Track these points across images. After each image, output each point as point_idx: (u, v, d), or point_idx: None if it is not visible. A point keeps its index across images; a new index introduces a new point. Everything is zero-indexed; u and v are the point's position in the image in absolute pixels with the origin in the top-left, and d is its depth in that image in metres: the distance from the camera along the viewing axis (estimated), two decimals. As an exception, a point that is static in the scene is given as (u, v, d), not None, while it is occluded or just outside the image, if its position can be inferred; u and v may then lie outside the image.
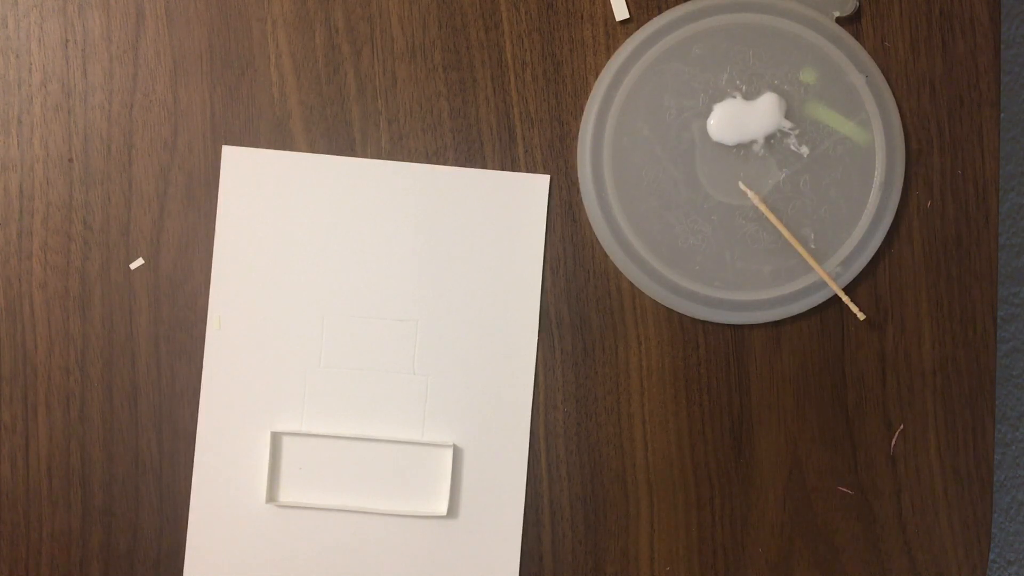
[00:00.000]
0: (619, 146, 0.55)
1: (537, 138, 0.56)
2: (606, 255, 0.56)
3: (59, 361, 0.55)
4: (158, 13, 0.56)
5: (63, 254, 0.55)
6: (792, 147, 0.55)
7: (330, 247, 0.56)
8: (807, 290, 0.55)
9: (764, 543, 0.56)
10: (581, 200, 0.56)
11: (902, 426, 0.56)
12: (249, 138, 0.56)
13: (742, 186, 0.55)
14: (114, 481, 0.55)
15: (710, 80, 0.55)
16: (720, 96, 0.55)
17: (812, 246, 0.55)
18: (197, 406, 0.55)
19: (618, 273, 0.56)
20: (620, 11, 0.56)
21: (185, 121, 0.56)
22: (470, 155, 0.56)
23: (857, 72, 0.55)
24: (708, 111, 0.55)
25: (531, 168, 0.56)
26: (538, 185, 0.56)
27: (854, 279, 0.56)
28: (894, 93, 0.56)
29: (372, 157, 0.56)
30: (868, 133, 0.56)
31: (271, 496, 0.55)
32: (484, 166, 0.56)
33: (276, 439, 0.55)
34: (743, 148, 0.55)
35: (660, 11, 0.56)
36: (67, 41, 0.56)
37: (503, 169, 0.56)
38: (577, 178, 0.56)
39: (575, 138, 0.56)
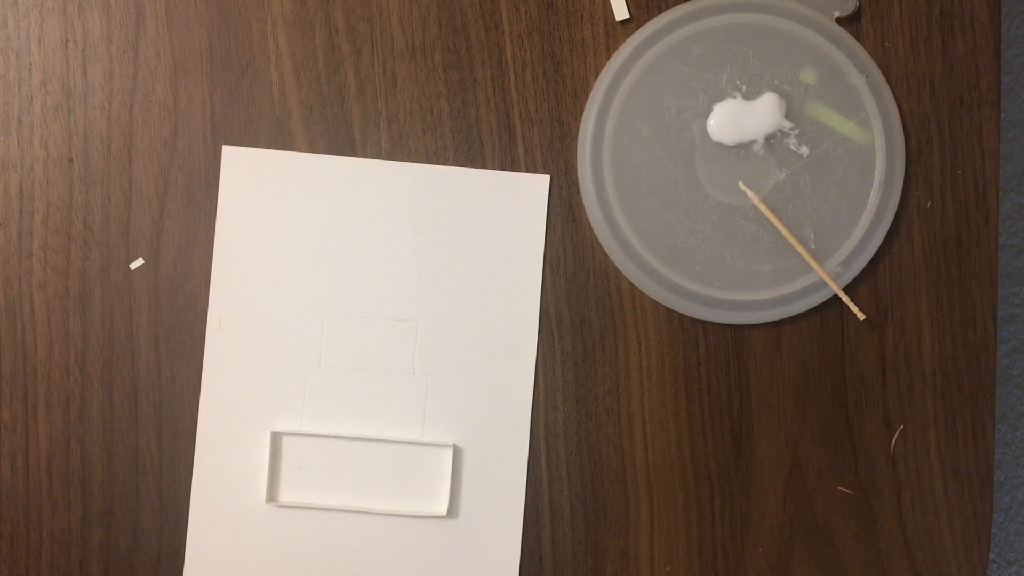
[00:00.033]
0: (619, 146, 0.55)
1: (537, 138, 0.56)
2: (606, 255, 0.56)
3: (59, 361, 0.55)
4: (158, 13, 0.56)
5: (63, 254, 0.55)
6: (792, 147, 0.55)
7: (330, 247, 0.56)
8: (807, 290, 0.55)
9: (764, 543, 0.56)
10: (581, 200, 0.56)
11: (902, 426, 0.56)
12: (249, 138, 0.56)
13: (742, 186, 0.55)
14: (114, 481, 0.55)
15: (710, 80, 0.55)
16: (720, 96, 0.55)
17: (812, 246, 0.55)
18: (197, 406, 0.55)
19: (618, 273, 0.56)
20: (620, 11, 0.56)
21: (185, 121, 0.56)
22: (470, 155, 0.56)
23: (857, 72, 0.55)
24: (708, 111, 0.55)
25: (531, 168, 0.56)
26: (538, 185, 0.56)
27: (854, 279, 0.56)
28: (894, 93, 0.56)
29: (372, 157, 0.56)
30: (868, 133, 0.56)
31: (271, 496, 0.55)
32: (484, 166, 0.56)
33: (276, 439, 0.55)
34: (743, 148, 0.55)
35: (660, 11, 0.56)
36: (67, 41, 0.56)
37: (503, 169, 0.56)
38: (577, 178, 0.56)
39: (575, 138, 0.56)
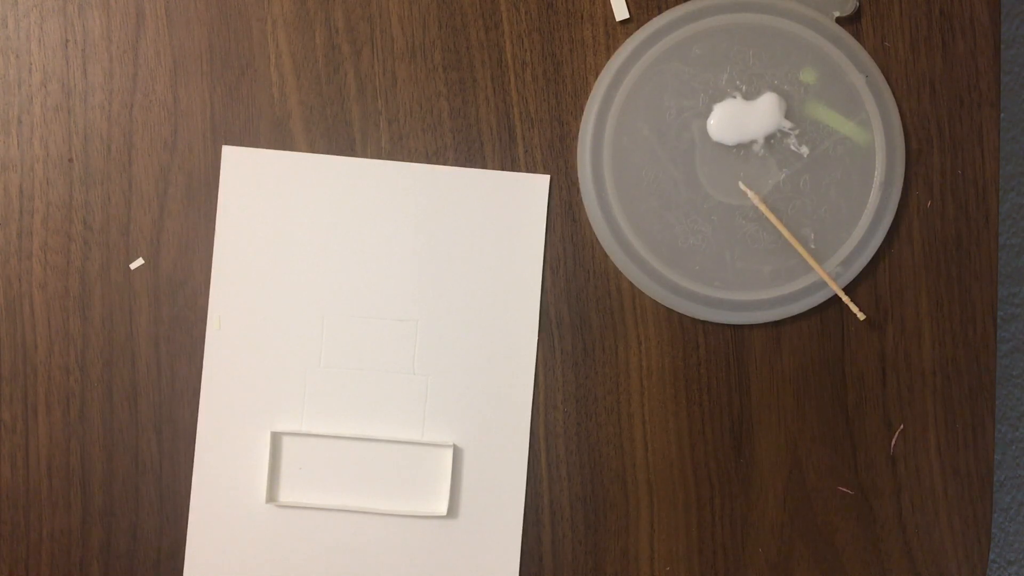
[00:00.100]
0: (619, 146, 0.55)
1: (537, 138, 0.56)
2: (606, 255, 0.56)
3: (59, 361, 0.55)
4: (158, 13, 0.56)
5: (63, 254, 0.55)
6: (792, 147, 0.55)
7: (330, 247, 0.56)
8: (807, 290, 0.55)
9: (764, 543, 0.56)
10: (581, 200, 0.56)
11: (902, 426, 0.56)
12: (249, 138, 0.56)
13: (742, 186, 0.55)
14: (114, 481, 0.55)
15: (710, 80, 0.55)
16: (720, 96, 0.55)
17: (812, 246, 0.55)
18: (197, 406, 0.55)
19: (618, 273, 0.56)
20: (620, 11, 0.56)
21: (185, 121, 0.56)
22: (470, 155, 0.56)
23: (857, 72, 0.55)
24: (708, 111, 0.55)
25: (531, 168, 0.56)
26: (538, 185, 0.56)
27: (854, 279, 0.56)
28: (894, 93, 0.56)
29: (372, 157, 0.56)
30: (868, 133, 0.56)
31: (271, 496, 0.55)
32: (484, 166, 0.56)
33: (276, 439, 0.55)
34: (743, 148, 0.55)
35: (660, 11, 0.56)
36: (67, 41, 0.56)
37: (503, 169, 0.56)
38: (577, 178, 0.56)
39: (575, 138, 0.56)
